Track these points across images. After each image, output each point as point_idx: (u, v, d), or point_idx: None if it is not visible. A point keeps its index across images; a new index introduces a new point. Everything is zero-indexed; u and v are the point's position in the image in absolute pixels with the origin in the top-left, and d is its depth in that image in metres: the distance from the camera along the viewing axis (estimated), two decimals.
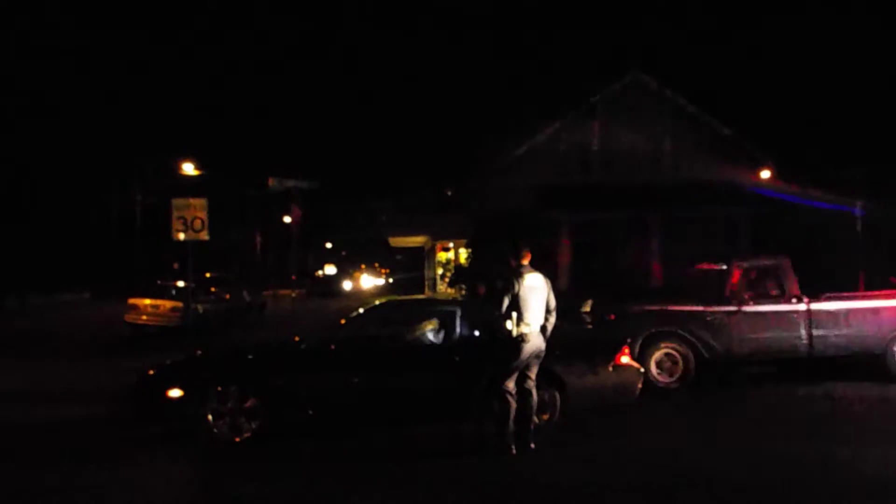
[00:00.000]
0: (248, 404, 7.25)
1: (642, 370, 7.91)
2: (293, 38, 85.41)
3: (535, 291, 6.78)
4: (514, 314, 6.64)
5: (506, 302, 6.66)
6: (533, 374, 6.85)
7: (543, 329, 6.86)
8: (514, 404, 6.69)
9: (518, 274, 6.76)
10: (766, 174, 22.51)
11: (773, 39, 49.04)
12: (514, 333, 6.63)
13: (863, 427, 7.56)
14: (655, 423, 7.86)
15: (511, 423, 6.69)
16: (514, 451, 6.62)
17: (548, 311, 6.91)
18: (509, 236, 7.25)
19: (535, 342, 6.73)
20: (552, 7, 66.50)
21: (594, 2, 64.88)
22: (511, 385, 6.72)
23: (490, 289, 7.12)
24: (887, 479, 5.92)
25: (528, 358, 6.73)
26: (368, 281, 63.49)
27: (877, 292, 10.42)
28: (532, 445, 6.71)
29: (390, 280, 59.91)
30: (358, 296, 45.02)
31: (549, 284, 7.00)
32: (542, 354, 6.87)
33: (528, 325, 6.66)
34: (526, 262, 6.91)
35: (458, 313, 7.83)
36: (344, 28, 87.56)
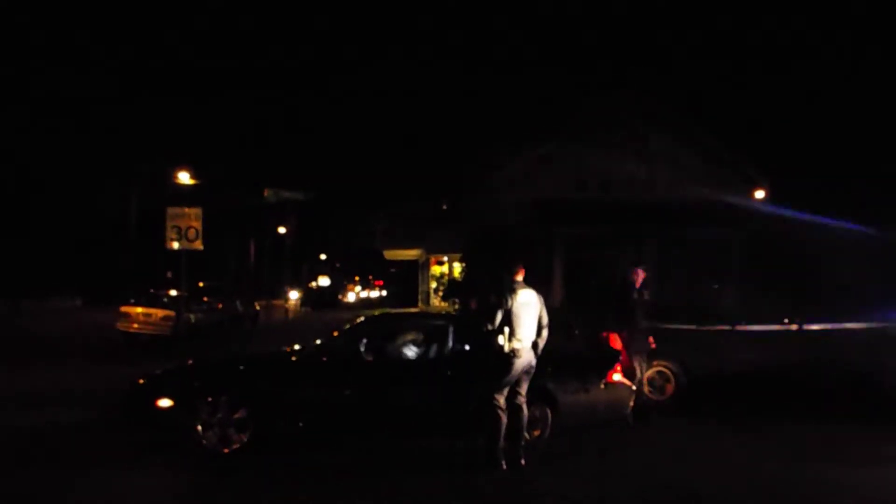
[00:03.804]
0: (237, 415, 7.20)
1: (634, 388, 7.89)
2: (292, 50, 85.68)
3: (528, 307, 6.78)
4: (506, 329, 6.63)
5: (498, 317, 6.66)
6: (523, 390, 6.84)
7: (535, 345, 6.85)
8: (504, 419, 6.66)
9: (511, 289, 6.76)
10: (760, 194, 22.62)
11: (770, 61, 49.39)
12: (506, 349, 6.62)
13: (852, 447, 7.55)
14: (646, 441, 7.84)
15: (501, 439, 6.66)
16: (505, 467, 6.59)
17: (540, 328, 6.90)
18: (504, 251, 7.31)
19: (526, 358, 6.72)
20: (553, 24, 66.90)
21: (593, 19, 65.27)
22: (501, 400, 6.70)
23: (483, 303, 7.13)
24: (878, 499, 5.91)
25: (519, 373, 6.72)
26: (362, 293, 63.43)
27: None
28: (523, 462, 6.68)
29: (384, 292, 59.92)
30: (351, 308, 44.98)
31: (542, 301, 7.01)
32: (533, 370, 6.86)
33: (519, 340, 6.65)
34: (520, 277, 6.91)
35: (451, 328, 7.81)
36: (343, 42, 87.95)
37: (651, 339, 9.06)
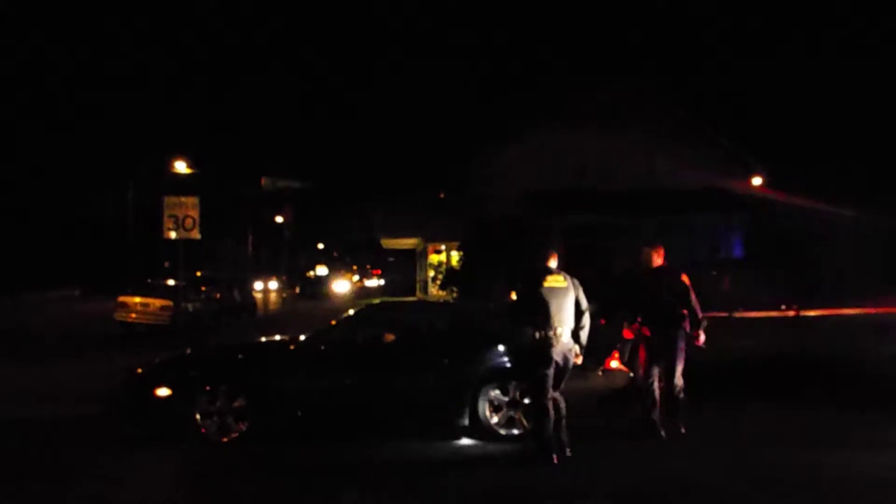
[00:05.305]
0: (236, 404, 7.20)
1: (631, 375, 7.87)
2: (288, 39, 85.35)
3: (559, 293, 6.45)
4: (538, 319, 6.35)
5: (527, 306, 6.41)
6: (561, 381, 6.55)
7: (576, 334, 6.54)
8: (551, 413, 6.38)
9: (541, 276, 6.48)
10: (758, 181, 22.62)
11: (766, 48, 49.26)
12: (538, 338, 6.36)
13: (852, 432, 7.55)
14: (644, 429, 7.80)
15: (549, 430, 6.37)
16: (556, 460, 6.31)
17: (580, 314, 6.55)
18: (503, 240, 7.18)
19: (560, 348, 6.41)
20: (552, 11, 66.68)
21: (589, 9, 65.07)
22: (548, 395, 6.37)
23: (519, 293, 6.71)
24: (882, 483, 5.93)
25: (555, 364, 6.41)
26: (359, 282, 63.20)
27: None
28: (569, 451, 6.45)
29: (381, 281, 59.80)
30: (349, 297, 44.94)
31: (578, 284, 6.63)
32: (571, 360, 6.53)
33: (552, 329, 6.34)
34: (552, 263, 6.61)
35: (449, 316, 7.81)
36: (341, 29, 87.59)
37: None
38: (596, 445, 7.14)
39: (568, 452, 6.44)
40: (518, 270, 6.97)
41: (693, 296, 7.47)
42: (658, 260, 7.68)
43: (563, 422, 6.50)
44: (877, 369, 9.74)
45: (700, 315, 7.46)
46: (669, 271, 7.64)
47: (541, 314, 6.36)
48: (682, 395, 7.45)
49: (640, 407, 7.49)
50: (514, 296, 6.63)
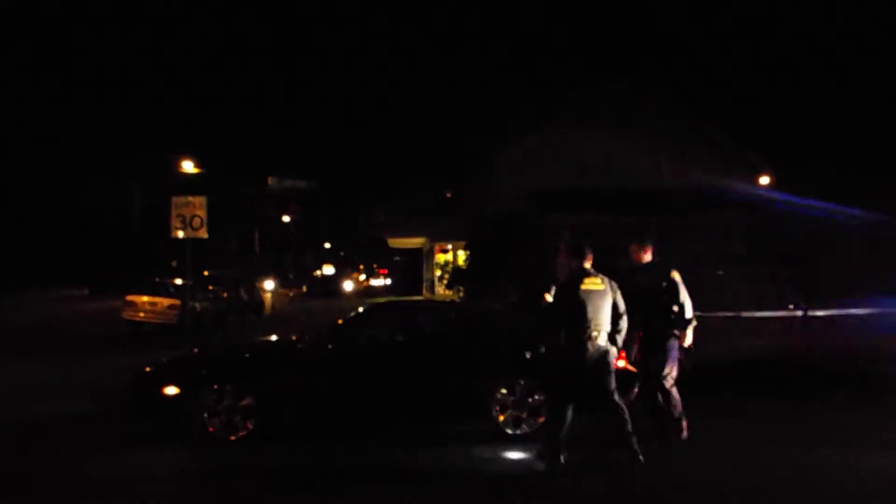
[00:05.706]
0: (243, 403, 7.23)
1: (638, 374, 7.83)
2: (295, 38, 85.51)
3: (596, 296, 6.28)
4: (573, 321, 6.20)
5: (563, 308, 6.27)
6: (610, 385, 6.31)
7: (612, 338, 6.33)
8: (569, 417, 6.25)
9: (579, 278, 6.31)
10: (764, 180, 22.55)
11: (773, 46, 49.14)
12: (566, 341, 6.22)
13: (864, 432, 7.52)
14: (651, 430, 7.78)
15: (562, 435, 6.26)
16: (563, 461, 6.23)
17: (617, 317, 6.35)
18: (506, 240, 7.10)
19: (595, 350, 6.21)
20: (554, 11, 66.61)
21: (596, 6, 65.01)
22: (569, 399, 6.21)
23: (554, 295, 6.54)
24: (873, 484, 5.92)
25: (589, 368, 6.21)
26: (366, 281, 63.24)
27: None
28: (641, 458, 6.19)
29: (388, 281, 59.77)
30: (356, 296, 44.98)
31: (616, 287, 6.47)
32: (611, 364, 6.30)
33: (586, 332, 6.19)
34: (588, 264, 6.43)
35: (456, 315, 7.82)
36: (346, 30, 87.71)
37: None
38: (597, 446, 7.15)
39: (641, 459, 6.20)
40: (525, 270, 6.94)
41: (683, 293, 7.19)
42: (646, 257, 7.46)
43: (628, 426, 6.25)
44: (879, 369, 9.75)
45: (690, 314, 7.19)
46: (659, 268, 7.37)
47: (576, 317, 6.19)
48: (674, 394, 7.23)
49: (643, 407, 7.40)
50: (549, 297, 6.48)
